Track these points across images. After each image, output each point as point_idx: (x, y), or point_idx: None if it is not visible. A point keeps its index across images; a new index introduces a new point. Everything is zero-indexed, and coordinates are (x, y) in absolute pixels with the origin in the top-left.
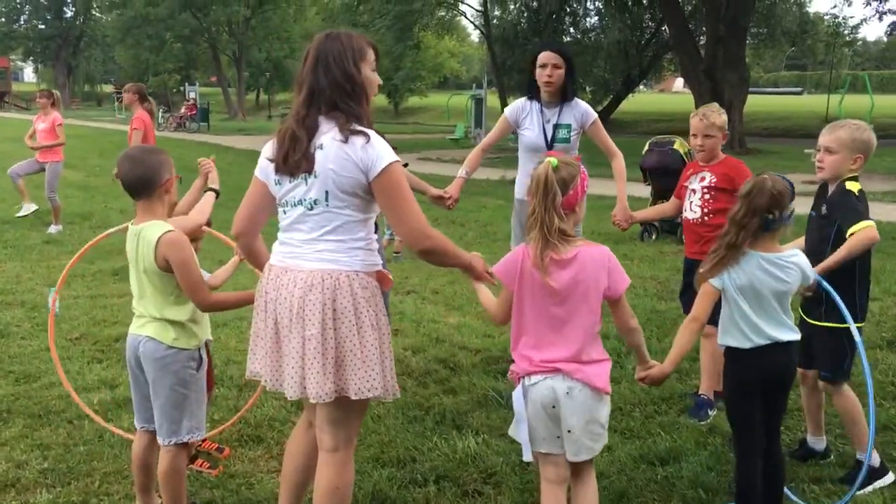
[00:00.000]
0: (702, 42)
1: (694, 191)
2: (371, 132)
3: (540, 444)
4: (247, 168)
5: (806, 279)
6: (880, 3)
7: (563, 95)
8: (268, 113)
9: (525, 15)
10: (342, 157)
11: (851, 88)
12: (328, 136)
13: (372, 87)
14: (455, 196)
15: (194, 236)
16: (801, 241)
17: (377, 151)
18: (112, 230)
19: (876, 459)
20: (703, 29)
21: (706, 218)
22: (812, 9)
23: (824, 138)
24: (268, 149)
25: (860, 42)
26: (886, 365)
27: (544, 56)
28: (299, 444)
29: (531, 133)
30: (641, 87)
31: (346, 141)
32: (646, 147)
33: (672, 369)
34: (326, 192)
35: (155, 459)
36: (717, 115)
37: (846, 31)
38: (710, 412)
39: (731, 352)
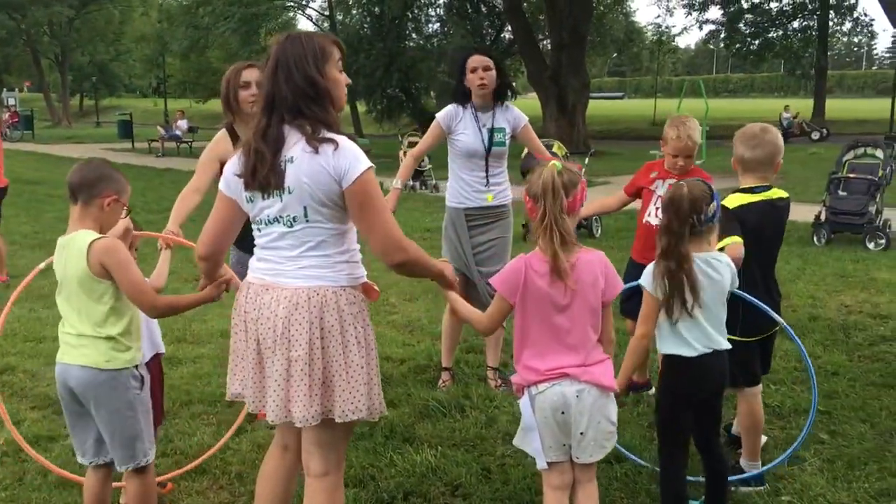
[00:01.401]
0: (543, 49)
1: (662, 197)
2: (341, 138)
3: (547, 452)
4: None
5: (735, 281)
6: (700, 13)
7: (496, 99)
8: (96, 119)
9: (368, 20)
10: (315, 170)
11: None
12: (297, 147)
13: (339, 87)
14: (393, 208)
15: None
16: None
17: (349, 158)
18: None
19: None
20: (546, 34)
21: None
22: (637, 19)
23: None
24: (233, 164)
25: (680, 50)
26: (784, 351)
27: (475, 60)
28: (274, 470)
29: (467, 137)
30: None
31: (316, 151)
32: (525, 151)
33: (624, 390)
34: (305, 208)
35: (110, 494)
36: (696, 131)
37: (669, 40)
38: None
39: (672, 360)
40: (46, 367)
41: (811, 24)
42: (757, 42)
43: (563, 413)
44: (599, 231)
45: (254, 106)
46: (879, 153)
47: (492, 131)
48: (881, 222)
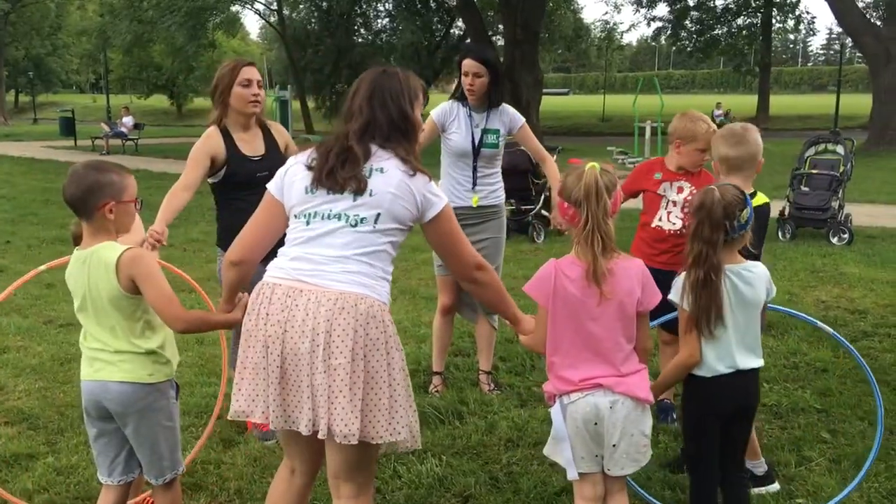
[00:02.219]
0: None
1: (674, 202)
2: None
3: (579, 463)
4: (32, 176)
5: (771, 292)
6: (648, 9)
7: (489, 102)
8: (33, 116)
9: (316, 15)
10: (405, 187)
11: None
12: (389, 162)
13: (420, 128)
14: None
15: None
16: None
17: (436, 193)
18: (49, 264)
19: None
20: (496, 29)
21: (685, 230)
22: (584, 15)
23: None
24: (300, 158)
25: (626, 45)
26: (770, 348)
27: (466, 64)
28: (283, 494)
29: (458, 136)
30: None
31: (412, 174)
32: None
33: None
34: (378, 214)
35: None
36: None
37: (618, 37)
38: (673, 416)
39: (693, 381)
40: (15, 380)
41: (755, 21)
42: (703, 39)
43: (595, 424)
44: (542, 237)
45: (255, 106)
46: (840, 149)
47: (484, 132)
48: (843, 217)
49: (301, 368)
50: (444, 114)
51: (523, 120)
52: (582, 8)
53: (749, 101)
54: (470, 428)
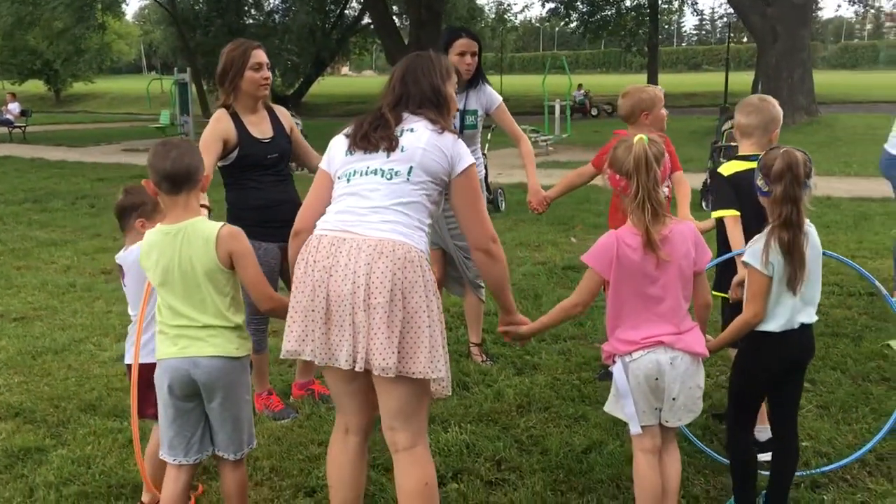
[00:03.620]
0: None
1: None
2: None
3: (641, 417)
4: None
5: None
6: None
7: (470, 81)
8: None
9: None
10: (434, 143)
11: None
12: (419, 123)
13: (454, 104)
14: None
15: None
16: None
17: (464, 149)
18: None
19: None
20: (393, 10)
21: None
22: None
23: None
24: (341, 135)
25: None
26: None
27: (463, 43)
28: (339, 454)
29: None
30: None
31: (441, 132)
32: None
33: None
34: (410, 168)
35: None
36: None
37: (511, 18)
38: None
39: (759, 336)
40: (10, 373)
41: (643, 2)
42: (594, 20)
43: (656, 379)
44: (504, 205)
45: (266, 89)
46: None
47: (464, 114)
48: None
49: (344, 308)
50: None
51: (500, 100)
52: None
53: (633, 80)
54: (479, 397)
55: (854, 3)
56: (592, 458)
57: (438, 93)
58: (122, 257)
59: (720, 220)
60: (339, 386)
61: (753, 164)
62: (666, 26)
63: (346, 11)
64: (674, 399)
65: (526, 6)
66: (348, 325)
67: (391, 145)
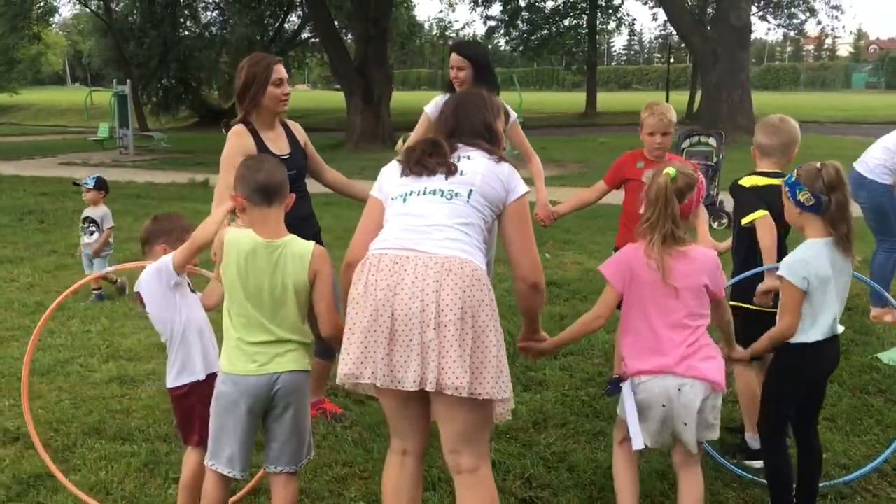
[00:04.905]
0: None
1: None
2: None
3: (644, 436)
4: None
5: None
6: (484, 8)
7: None
8: None
9: (138, 5)
10: (491, 171)
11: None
12: (476, 152)
13: (503, 140)
14: None
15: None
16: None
17: (519, 179)
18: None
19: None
20: (343, 23)
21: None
22: (417, 13)
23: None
24: (393, 162)
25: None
26: None
27: (451, 58)
28: (397, 478)
29: None
30: None
31: (496, 161)
32: (399, 143)
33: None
34: (471, 190)
35: None
36: (672, 112)
37: (452, 34)
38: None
39: (796, 347)
40: None
41: (581, 22)
42: (533, 38)
43: (664, 406)
44: None
45: (285, 105)
46: (712, 141)
47: None
48: (719, 203)
49: (412, 328)
50: (437, 106)
51: (514, 116)
52: (415, 6)
53: (567, 98)
54: None
55: (783, 27)
56: None
57: (490, 128)
58: (139, 285)
59: (744, 229)
60: (397, 409)
61: (774, 181)
62: (599, 46)
63: (286, 25)
64: (685, 424)
65: (467, 23)
66: (416, 345)
67: (450, 170)
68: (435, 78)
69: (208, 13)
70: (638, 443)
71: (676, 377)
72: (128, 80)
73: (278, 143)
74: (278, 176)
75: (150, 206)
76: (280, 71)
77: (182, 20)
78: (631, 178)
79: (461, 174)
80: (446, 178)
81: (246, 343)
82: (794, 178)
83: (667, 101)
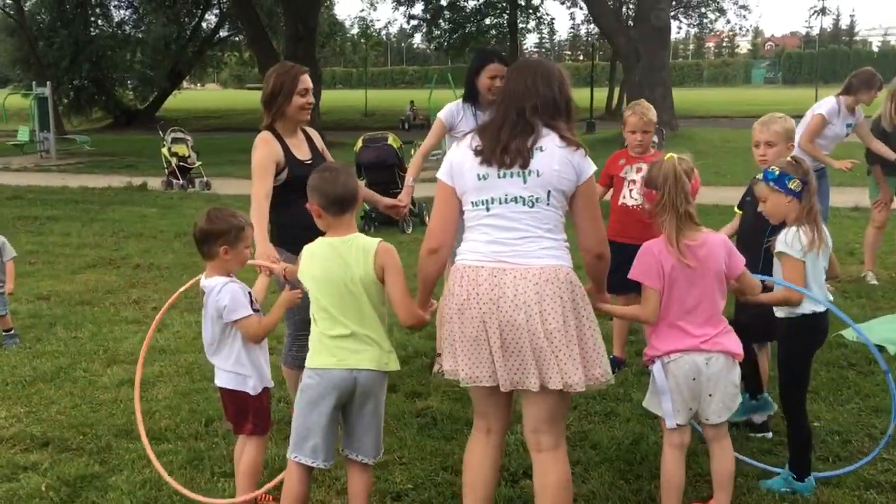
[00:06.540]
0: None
1: (634, 181)
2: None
3: (676, 414)
4: None
5: None
6: (407, 7)
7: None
8: None
9: (47, 4)
10: (565, 161)
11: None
12: (548, 140)
13: (575, 108)
14: (407, 203)
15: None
16: (727, 228)
17: (589, 162)
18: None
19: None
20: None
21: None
22: (337, 12)
23: (763, 134)
24: (466, 142)
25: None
26: None
27: (495, 69)
28: (483, 456)
29: None
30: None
31: (570, 148)
32: (359, 144)
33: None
34: (549, 192)
35: None
36: (652, 112)
37: (374, 33)
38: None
39: (808, 317)
40: (7, 403)
41: (502, 21)
42: (455, 37)
43: (694, 379)
44: (411, 228)
45: (308, 114)
46: (654, 138)
47: None
48: None
49: (521, 337)
50: (451, 114)
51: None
52: (335, 4)
53: None
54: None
55: (692, 26)
56: (644, 449)
57: (570, 101)
58: (206, 284)
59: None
60: (488, 396)
61: None
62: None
63: (203, 24)
64: (710, 395)
65: (389, 22)
66: (528, 352)
67: (524, 162)
68: (351, 77)
69: (121, 11)
70: (671, 422)
71: (702, 353)
72: (48, 83)
73: (301, 150)
74: (351, 185)
75: (93, 210)
76: (306, 81)
77: (94, 19)
78: (614, 174)
79: (537, 175)
80: (524, 179)
81: (327, 337)
82: (778, 172)
83: (591, 99)
